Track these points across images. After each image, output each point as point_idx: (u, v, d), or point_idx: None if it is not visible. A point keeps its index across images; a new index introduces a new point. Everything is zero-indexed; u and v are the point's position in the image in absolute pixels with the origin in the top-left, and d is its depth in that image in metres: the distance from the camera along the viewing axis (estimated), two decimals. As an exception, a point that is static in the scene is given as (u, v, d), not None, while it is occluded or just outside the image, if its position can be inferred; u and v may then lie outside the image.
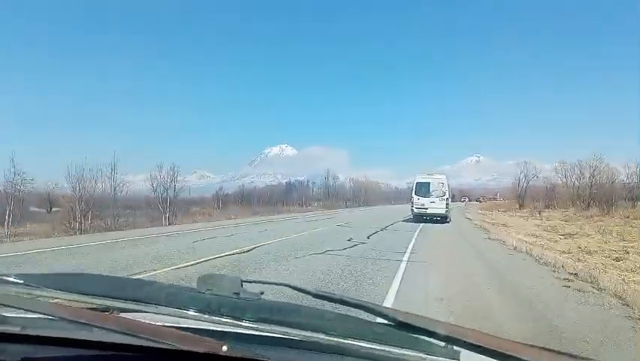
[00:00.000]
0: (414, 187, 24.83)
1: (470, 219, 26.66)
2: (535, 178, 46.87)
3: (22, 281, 1.04)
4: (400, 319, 0.89)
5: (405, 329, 0.88)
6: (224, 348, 0.81)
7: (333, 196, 58.42)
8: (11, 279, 1.04)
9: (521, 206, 45.01)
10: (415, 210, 24.46)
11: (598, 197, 35.59)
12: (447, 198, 24.57)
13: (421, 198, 24.37)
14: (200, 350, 0.81)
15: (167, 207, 25.87)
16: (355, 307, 0.95)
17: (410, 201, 25.45)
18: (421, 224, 20.76)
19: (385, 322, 0.91)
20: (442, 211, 24.14)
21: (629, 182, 35.19)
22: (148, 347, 0.83)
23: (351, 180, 69.18)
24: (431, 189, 24.50)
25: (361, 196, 64.07)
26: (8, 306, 0.96)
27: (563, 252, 11.76)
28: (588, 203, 36.19)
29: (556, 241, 14.85)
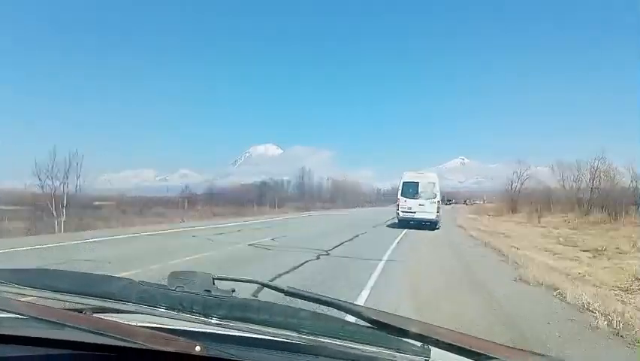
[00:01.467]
0: (400, 187, 20.55)
1: (462, 227, 22.17)
2: (528, 179, 42.95)
3: None
4: (373, 317, 0.90)
5: (378, 327, 0.88)
6: (197, 348, 0.79)
7: (308, 197, 54.20)
8: None
9: (514, 210, 41.30)
10: (401, 214, 20.30)
11: (599, 201, 32.25)
12: (438, 201, 20.48)
13: (408, 200, 20.16)
14: (172, 349, 0.79)
15: (62, 209, 19.77)
16: (327, 305, 0.96)
17: (395, 203, 21.31)
18: (401, 233, 16.34)
19: (358, 320, 0.91)
20: (432, 216, 19.99)
21: (635, 185, 31.72)
22: (119, 347, 0.81)
23: (329, 180, 64.85)
24: (420, 190, 20.32)
25: (339, 197, 60.04)
26: None
27: (622, 289, 7.73)
28: (589, 207, 32.80)
29: (588, 265, 10.76)
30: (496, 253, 11.75)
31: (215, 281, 1.06)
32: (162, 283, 1.06)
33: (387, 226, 21.59)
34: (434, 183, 20.56)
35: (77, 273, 1.21)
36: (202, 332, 0.91)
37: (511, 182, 43.76)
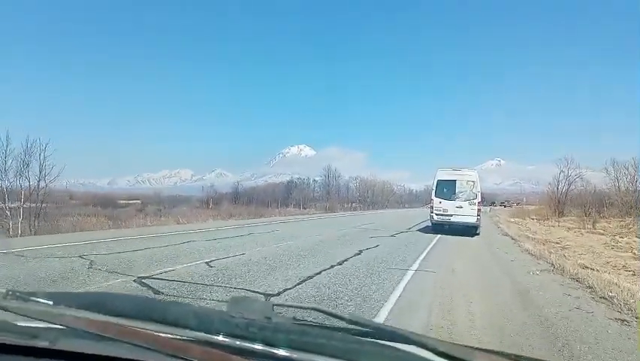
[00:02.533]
0: (434, 187, 17.79)
1: (508, 235, 18.68)
2: (577, 179, 38.68)
3: (51, 299, 1.06)
4: (441, 349, 0.87)
5: (446, 359, 0.86)
6: None
7: (335, 197, 51.47)
8: (41, 296, 1.06)
9: (560, 213, 37.37)
10: (435, 217, 17.60)
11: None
12: (479, 203, 17.66)
13: (443, 201, 17.44)
14: None
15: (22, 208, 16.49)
16: (391, 336, 0.95)
17: (429, 204, 18.63)
18: (427, 247, 12.83)
19: (425, 353, 0.88)
20: (472, 220, 17.13)
21: None
22: None
23: (357, 180, 61.31)
24: (457, 190, 17.51)
25: (368, 198, 56.84)
26: (38, 320, 0.95)
27: None
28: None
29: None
30: (575, 283, 7.46)
31: (275, 308, 1.06)
32: (222, 308, 1.05)
33: (418, 230, 18.94)
34: (474, 181, 17.66)
35: (138, 297, 1.35)
36: (255, 354, 0.87)
37: (557, 182, 39.67)
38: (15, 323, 0.98)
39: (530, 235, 18.42)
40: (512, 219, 34.14)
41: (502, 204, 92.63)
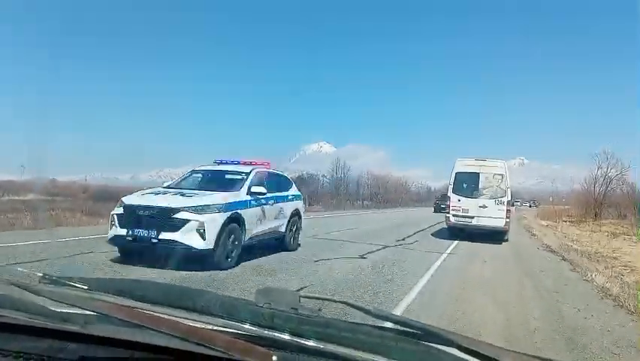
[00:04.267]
0: (451, 181, 14.19)
1: (543, 243, 14.41)
2: (620, 176, 33.75)
3: (86, 284, 1.09)
4: (467, 345, 0.86)
5: (471, 355, 0.85)
6: (274, 358, 0.79)
7: (343, 194, 47.57)
8: (75, 281, 1.10)
9: (597, 216, 32.82)
10: (452, 219, 13.95)
11: None
12: (508, 202, 13.86)
13: (463, 199, 13.80)
14: (250, 358, 0.79)
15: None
16: (418, 330, 0.94)
17: (445, 203, 14.96)
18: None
19: (450, 348, 0.87)
20: (500, 223, 13.45)
21: None
22: (198, 353, 0.82)
23: (368, 175, 56.90)
24: (481, 185, 13.76)
25: (379, 195, 52.56)
26: (69, 305, 0.97)
27: None
28: None
29: None
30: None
31: (302, 299, 1.07)
32: (250, 298, 1.07)
33: (449, 229, 15.12)
34: (502, 174, 13.82)
35: (168, 285, 1.36)
36: (280, 344, 0.86)
37: (595, 180, 34.92)
38: (48, 306, 0.98)
39: (575, 246, 14.25)
40: (543, 222, 29.90)
41: (530, 204, 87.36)
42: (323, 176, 52.04)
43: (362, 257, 9.06)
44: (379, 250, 10.39)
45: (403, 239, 12.95)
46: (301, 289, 5.76)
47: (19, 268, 5.19)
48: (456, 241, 12.87)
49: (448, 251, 11.03)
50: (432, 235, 15.17)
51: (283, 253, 8.81)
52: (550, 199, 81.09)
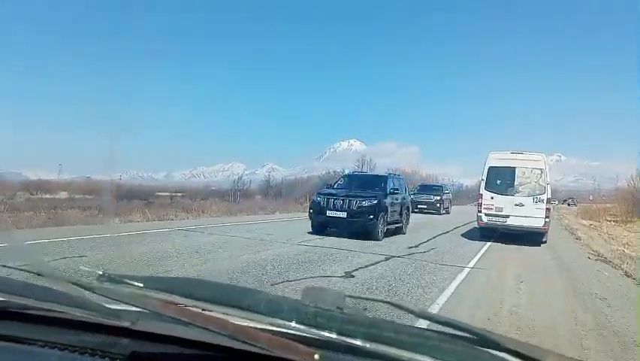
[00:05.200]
0: (484, 176, 12.94)
1: (594, 252, 11.84)
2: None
3: (141, 282, 1.11)
4: (510, 346, 0.85)
5: (516, 357, 0.84)
6: (317, 356, 0.80)
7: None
8: (132, 279, 1.12)
9: (644, 215, 30.28)
10: (485, 218, 12.74)
11: None
12: (548, 200, 12.53)
13: (496, 196, 12.57)
14: (292, 356, 0.80)
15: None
16: (463, 331, 0.92)
17: (476, 202, 13.85)
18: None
19: (493, 350, 0.87)
20: (538, 223, 12.12)
21: None
22: (243, 351, 0.85)
23: (389, 171, 54.99)
24: (517, 181, 12.48)
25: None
26: (123, 302, 1.00)
27: None
28: None
29: None
30: None
31: (347, 299, 1.07)
32: (295, 297, 1.08)
33: (480, 230, 13.86)
34: (542, 169, 12.48)
35: (219, 283, 1.28)
36: (323, 343, 0.87)
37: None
38: (103, 303, 1.01)
39: (629, 252, 12.43)
40: (585, 221, 27.88)
41: (568, 202, 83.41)
42: (341, 171, 50.82)
43: (348, 276, 6.92)
44: (380, 262, 8.20)
45: (417, 246, 10.88)
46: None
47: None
48: (485, 247, 11.34)
49: (472, 263, 8.75)
50: (455, 238, 13.51)
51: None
52: (590, 197, 77.24)
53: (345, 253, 9.12)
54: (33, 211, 13.80)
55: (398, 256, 9.03)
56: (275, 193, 49.59)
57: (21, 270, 1.29)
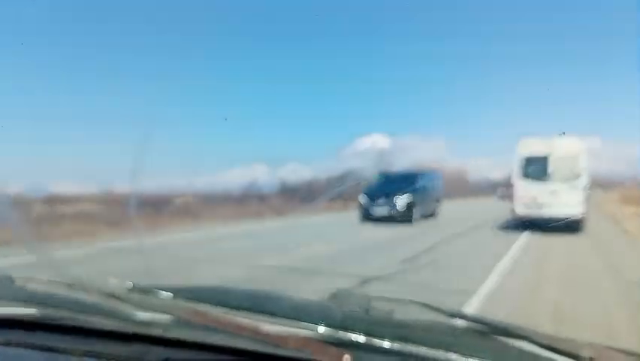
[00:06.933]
0: (516, 166, 12.37)
1: None
2: None
3: (171, 291, 1.15)
4: (545, 342, 0.86)
5: (548, 350, 0.85)
6: (347, 356, 0.80)
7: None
8: (162, 289, 1.16)
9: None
10: (519, 210, 12.20)
11: None
12: (584, 187, 11.88)
13: (530, 185, 11.96)
14: (322, 358, 0.81)
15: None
16: (492, 327, 0.94)
17: (506, 193, 13.37)
18: None
19: (528, 345, 0.87)
20: (575, 211, 11.46)
21: None
22: (273, 355, 0.86)
23: (418, 167, 53.26)
24: (551, 168, 11.87)
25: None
26: (152, 311, 1.02)
27: None
28: None
29: None
30: None
31: (373, 301, 1.09)
32: (322, 301, 1.11)
33: (514, 220, 13.03)
34: (577, 156, 11.86)
35: (244, 290, 1.31)
36: (353, 345, 0.87)
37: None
38: (134, 313, 1.03)
39: None
40: (629, 209, 26.46)
41: (601, 187, 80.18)
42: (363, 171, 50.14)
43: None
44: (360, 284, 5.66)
45: (417, 256, 8.09)
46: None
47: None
48: (516, 245, 9.62)
49: (491, 281, 5.92)
50: (475, 241, 11.25)
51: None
52: (623, 183, 73.73)
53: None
54: (59, 223, 14.13)
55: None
56: (310, 193, 49.24)
57: (53, 282, 1.32)
